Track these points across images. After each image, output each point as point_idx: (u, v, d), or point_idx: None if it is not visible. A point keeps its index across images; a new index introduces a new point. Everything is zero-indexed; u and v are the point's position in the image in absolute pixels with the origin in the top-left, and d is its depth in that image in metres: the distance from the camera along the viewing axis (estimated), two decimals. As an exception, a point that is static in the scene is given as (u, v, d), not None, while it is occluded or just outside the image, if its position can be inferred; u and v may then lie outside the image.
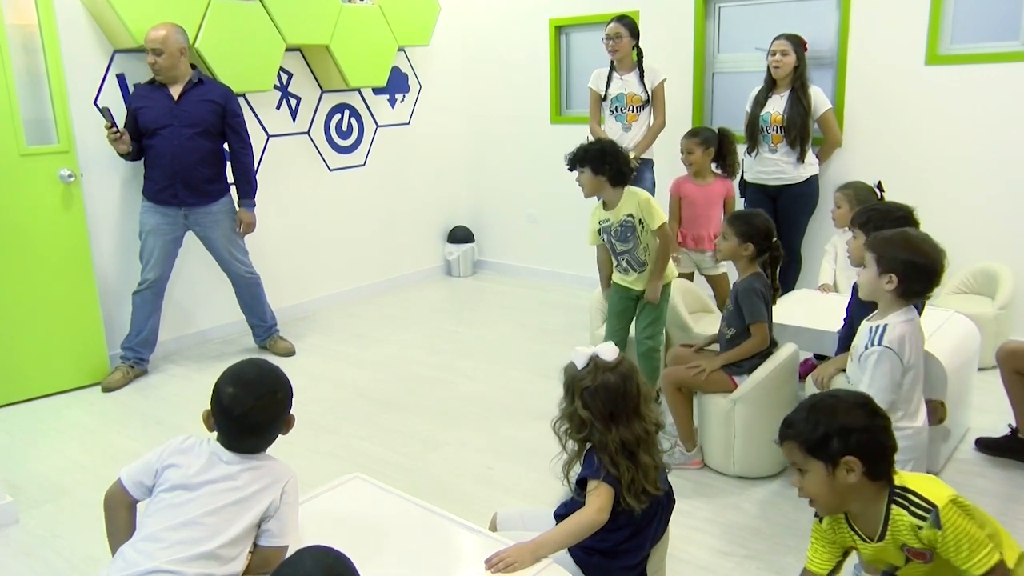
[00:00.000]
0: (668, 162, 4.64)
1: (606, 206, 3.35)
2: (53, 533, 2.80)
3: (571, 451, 1.97)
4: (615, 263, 3.46)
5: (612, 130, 4.56)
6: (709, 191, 4.17)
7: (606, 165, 3.22)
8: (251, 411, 1.77)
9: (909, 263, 2.12)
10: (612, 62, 4.54)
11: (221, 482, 1.74)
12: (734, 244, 2.96)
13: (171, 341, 4.60)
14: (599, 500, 1.85)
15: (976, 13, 4.13)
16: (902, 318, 2.18)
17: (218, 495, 1.72)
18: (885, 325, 2.19)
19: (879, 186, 3.60)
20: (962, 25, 4.17)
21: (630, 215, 3.27)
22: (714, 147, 4.11)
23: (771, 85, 4.31)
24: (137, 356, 4.21)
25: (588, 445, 1.93)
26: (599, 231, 3.41)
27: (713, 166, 4.20)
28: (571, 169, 3.34)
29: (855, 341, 2.34)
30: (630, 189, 3.31)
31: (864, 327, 2.30)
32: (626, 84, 4.51)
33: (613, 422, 1.87)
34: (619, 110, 4.54)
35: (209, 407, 1.84)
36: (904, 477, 1.71)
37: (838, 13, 4.49)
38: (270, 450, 1.88)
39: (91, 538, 2.73)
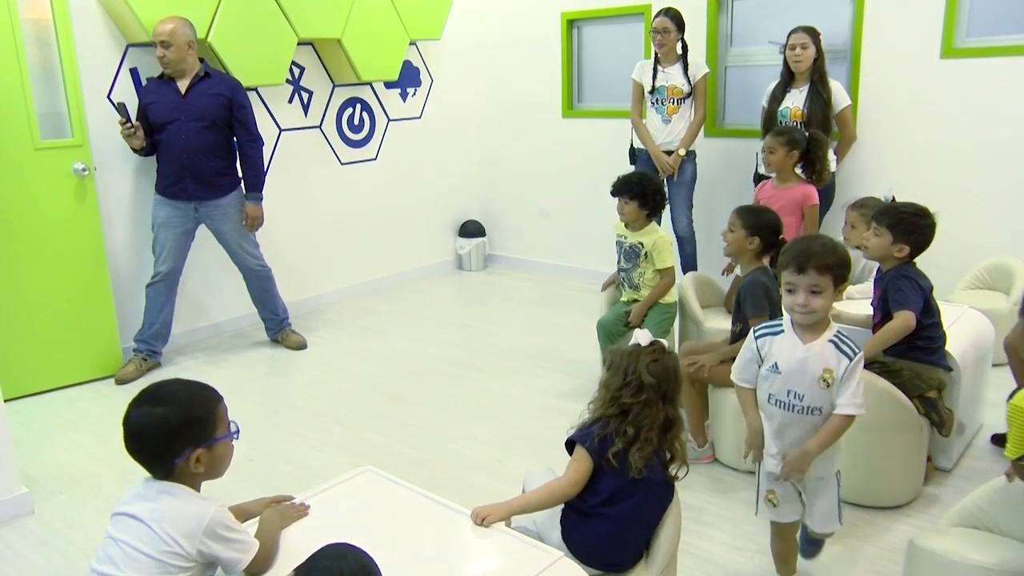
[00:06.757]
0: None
1: (628, 226, 3.62)
2: (68, 523, 2.83)
3: (597, 415, 2.03)
4: (618, 275, 3.77)
5: (652, 122, 4.63)
6: (787, 196, 3.77)
7: (653, 203, 3.56)
8: (130, 418, 1.67)
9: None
10: (656, 54, 4.56)
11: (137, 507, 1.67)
12: (741, 237, 2.93)
13: (184, 334, 4.63)
14: (575, 473, 1.96)
15: (992, 6, 4.09)
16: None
17: (129, 525, 1.65)
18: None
19: (892, 201, 3.53)
20: (978, 18, 4.13)
21: (641, 243, 3.57)
22: (800, 150, 3.77)
23: (788, 80, 4.27)
24: (150, 349, 4.23)
25: (612, 414, 1.97)
26: (616, 241, 3.71)
27: (798, 170, 3.85)
28: (616, 196, 3.57)
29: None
30: (654, 225, 3.62)
31: None
32: (669, 76, 4.55)
33: (663, 399, 1.99)
34: (660, 102, 4.58)
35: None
36: None
37: (852, 6, 4.45)
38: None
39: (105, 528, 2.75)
